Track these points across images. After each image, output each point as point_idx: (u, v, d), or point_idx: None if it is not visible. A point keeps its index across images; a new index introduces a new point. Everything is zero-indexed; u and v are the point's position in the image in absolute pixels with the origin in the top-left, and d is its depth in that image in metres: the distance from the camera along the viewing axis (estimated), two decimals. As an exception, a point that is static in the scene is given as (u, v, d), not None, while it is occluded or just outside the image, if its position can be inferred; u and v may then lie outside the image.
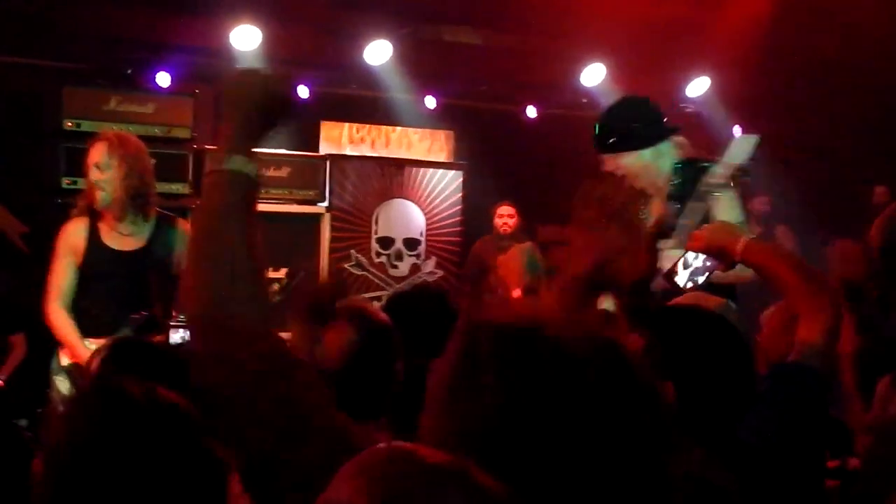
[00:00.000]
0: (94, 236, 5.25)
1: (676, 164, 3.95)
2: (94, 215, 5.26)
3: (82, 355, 4.95)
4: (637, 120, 4.12)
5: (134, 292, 5.21)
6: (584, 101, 10.10)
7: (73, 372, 5.08)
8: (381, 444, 1.33)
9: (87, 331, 5.12)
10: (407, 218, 9.58)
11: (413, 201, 9.60)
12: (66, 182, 7.63)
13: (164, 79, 8.50)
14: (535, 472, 1.32)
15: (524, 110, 10.52)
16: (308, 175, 8.81)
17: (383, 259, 9.45)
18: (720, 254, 2.74)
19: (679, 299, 2.96)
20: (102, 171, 5.17)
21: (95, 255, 5.23)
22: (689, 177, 3.78)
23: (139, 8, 8.35)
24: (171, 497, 1.54)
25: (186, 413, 1.63)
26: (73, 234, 5.26)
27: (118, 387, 1.67)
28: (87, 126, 7.69)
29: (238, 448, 1.62)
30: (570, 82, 9.95)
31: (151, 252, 5.30)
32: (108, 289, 5.22)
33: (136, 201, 5.24)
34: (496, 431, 1.35)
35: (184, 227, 5.45)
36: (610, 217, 2.61)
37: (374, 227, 9.39)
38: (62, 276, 5.21)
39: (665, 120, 4.22)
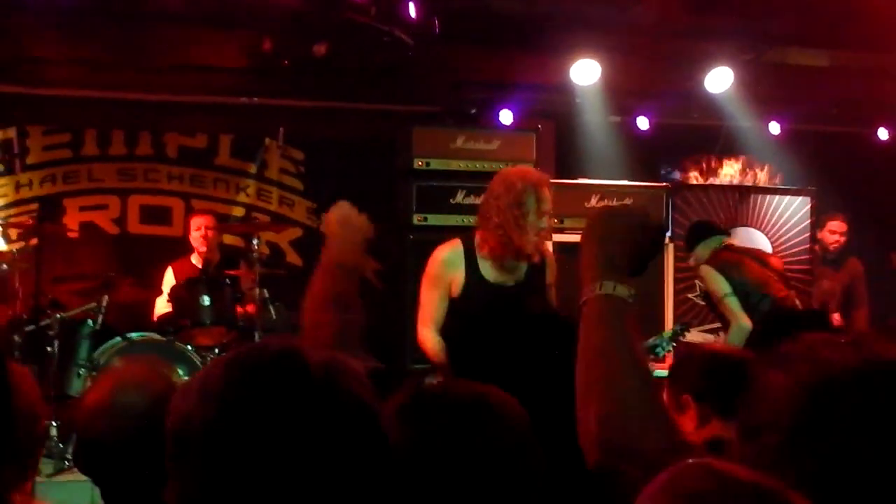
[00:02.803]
0: (473, 268, 5.06)
1: None
2: (473, 248, 5.08)
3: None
4: None
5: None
6: (941, 120, 9.56)
7: None
8: (691, 461, 1.30)
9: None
10: (752, 246, 9.33)
11: (759, 229, 9.35)
12: (417, 219, 7.94)
13: (506, 116, 8.74)
14: None
15: (875, 132, 10.05)
16: (650, 205, 8.72)
17: (728, 289, 9.25)
18: None
19: None
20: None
21: (475, 289, 5.04)
22: None
23: (482, 51, 8.61)
24: None
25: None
26: (452, 265, 5.09)
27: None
28: (435, 164, 7.98)
29: None
30: (925, 101, 9.46)
31: (529, 286, 5.12)
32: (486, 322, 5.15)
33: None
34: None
35: (550, 254, 5.39)
36: None
37: (718, 256, 9.21)
38: (436, 305, 5.07)
39: None
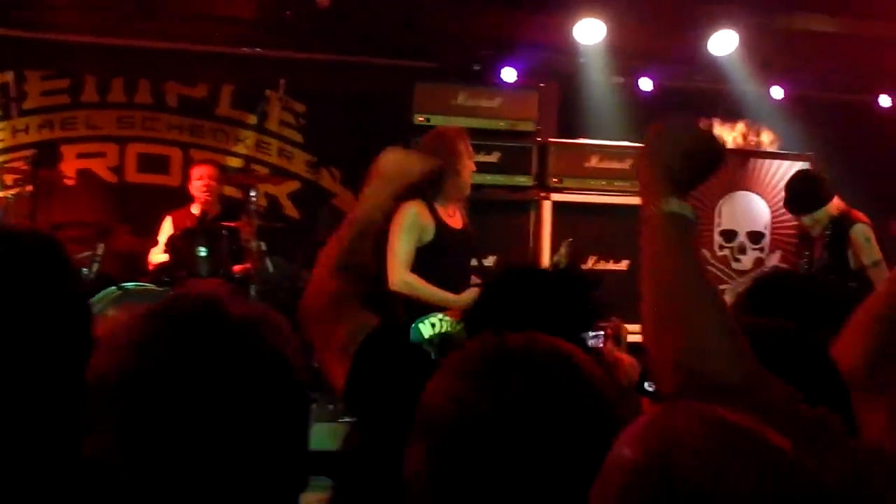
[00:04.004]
0: (437, 217, 5.83)
1: None
2: (431, 200, 5.83)
3: (456, 300, 5.49)
4: None
5: (462, 267, 5.95)
6: (944, 88, 9.54)
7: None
8: (679, 402, 1.29)
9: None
10: (751, 211, 9.33)
11: (758, 193, 9.34)
12: (416, 175, 7.92)
13: (509, 74, 8.69)
14: None
15: (877, 100, 10.02)
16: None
17: (726, 252, 9.25)
18: None
19: None
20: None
21: (444, 234, 5.84)
22: None
23: (487, 7, 8.54)
24: None
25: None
26: (423, 215, 5.81)
27: None
28: (436, 121, 7.95)
29: None
30: (927, 69, 9.41)
31: (469, 228, 6.05)
32: (448, 265, 5.81)
33: None
34: None
35: None
36: None
37: (716, 220, 9.21)
38: (412, 252, 5.79)
39: None
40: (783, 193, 7.49)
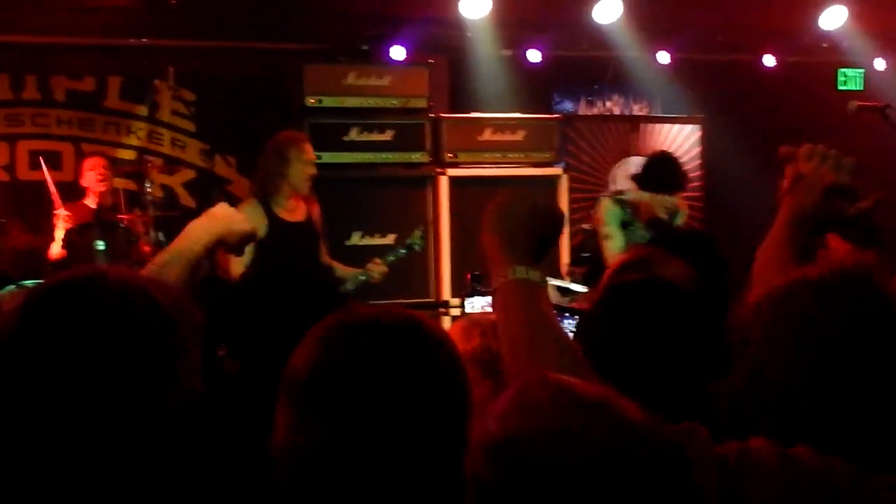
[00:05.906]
0: (271, 213, 6.23)
1: None
2: (265, 198, 6.26)
3: None
4: None
5: (306, 257, 6.29)
6: (825, 46, 9.75)
7: None
8: (534, 376, 1.40)
9: None
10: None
11: (650, 158, 9.50)
12: (311, 157, 7.93)
13: (398, 52, 8.71)
14: None
15: (761, 59, 10.23)
16: (543, 137, 8.81)
17: (624, 218, 9.40)
18: None
19: None
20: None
21: (277, 228, 6.19)
22: None
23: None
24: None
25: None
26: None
27: None
28: (328, 101, 7.99)
29: None
30: (808, 27, 9.62)
31: (313, 221, 6.44)
32: (287, 257, 6.10)
33: None
34: None
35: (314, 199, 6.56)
36: None
37: (611, 186, 9.36)
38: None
39: None
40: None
